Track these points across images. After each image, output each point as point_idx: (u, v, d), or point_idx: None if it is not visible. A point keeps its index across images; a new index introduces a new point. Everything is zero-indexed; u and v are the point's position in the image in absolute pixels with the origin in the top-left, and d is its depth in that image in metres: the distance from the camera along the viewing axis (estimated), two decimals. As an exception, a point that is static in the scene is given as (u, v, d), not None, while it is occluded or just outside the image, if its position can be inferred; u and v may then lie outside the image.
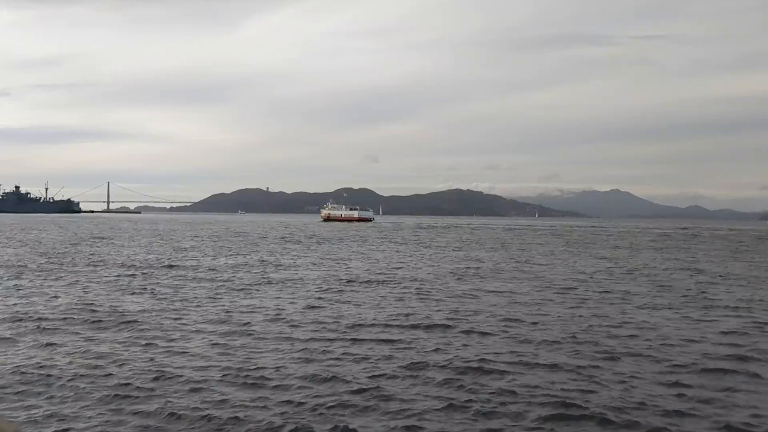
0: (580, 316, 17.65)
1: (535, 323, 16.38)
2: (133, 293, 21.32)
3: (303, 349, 13.09)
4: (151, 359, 12.21)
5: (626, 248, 56.31)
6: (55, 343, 13.42)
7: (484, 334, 14.96)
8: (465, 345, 13.76)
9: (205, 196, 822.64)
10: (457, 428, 8.83)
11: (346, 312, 17.94)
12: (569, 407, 9.58)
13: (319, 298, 20.60)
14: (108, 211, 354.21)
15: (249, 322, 16.13)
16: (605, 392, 10.41)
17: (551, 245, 60.15)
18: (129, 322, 15.97)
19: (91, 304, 18.79)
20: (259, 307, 18.60)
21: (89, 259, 35.68)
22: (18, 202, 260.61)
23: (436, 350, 13.19)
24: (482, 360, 12.34)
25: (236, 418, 9.06)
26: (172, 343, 13.59)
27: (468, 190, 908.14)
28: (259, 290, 22.72)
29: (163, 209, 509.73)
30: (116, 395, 10.02)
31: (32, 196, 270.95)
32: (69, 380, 10.73)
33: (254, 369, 11.50)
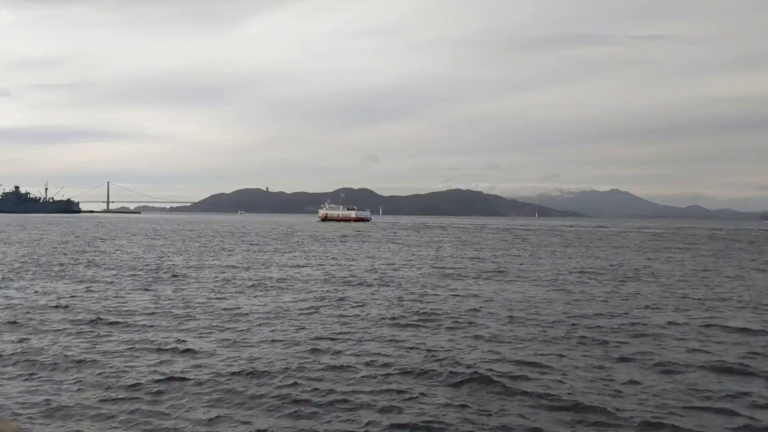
0: (583, 315, 17.65)
1: (536, 322, 16.38)
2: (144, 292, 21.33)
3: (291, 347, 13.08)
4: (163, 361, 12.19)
5: (631, 248, 56.35)
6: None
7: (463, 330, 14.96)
8: (467, 346, 13.75)
9: (205, 196, 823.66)
10: (469, 428, 8.82)
11: (336, 312, 17.95)
12: (582, 409, 9.56)
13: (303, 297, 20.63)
14: (107, 211, 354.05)
15: (244, 321, 16.13)
16: (618, 392, 10.41)
17: (551, 245, 60.17)
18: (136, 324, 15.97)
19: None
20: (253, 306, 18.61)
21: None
22: (18, 202, 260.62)
23: (445, 350, 13.18)
24: (489, 361, 12.33)
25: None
26: (176, 344, 13.58)
27: (468, 190, 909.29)
28: (249, 291, 22.71)
29: (162, 209, 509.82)
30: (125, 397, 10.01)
31: (32, 196, 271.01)
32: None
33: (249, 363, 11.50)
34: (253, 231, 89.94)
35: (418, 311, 18.03)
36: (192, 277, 26.78)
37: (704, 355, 12.90)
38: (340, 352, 12.93)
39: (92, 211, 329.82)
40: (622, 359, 12.57)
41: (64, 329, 14.90)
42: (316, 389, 10.35)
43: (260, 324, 15.93)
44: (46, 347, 13.04)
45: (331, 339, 14.17)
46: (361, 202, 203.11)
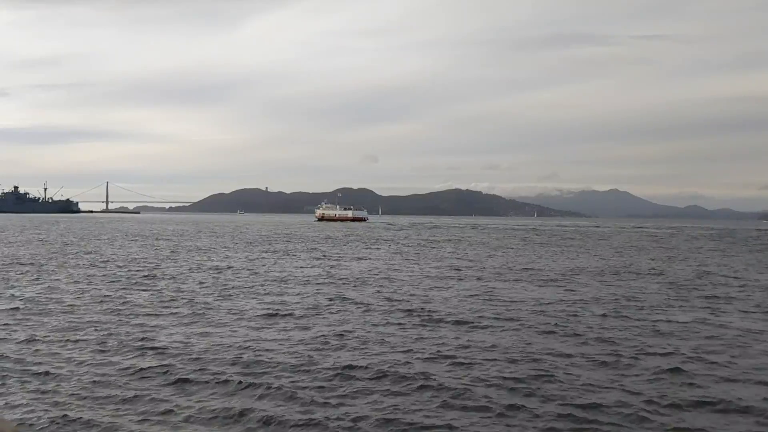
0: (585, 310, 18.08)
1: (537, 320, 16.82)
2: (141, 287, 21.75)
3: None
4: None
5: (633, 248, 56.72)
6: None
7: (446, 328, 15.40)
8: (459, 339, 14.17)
9: (204, 196, 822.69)
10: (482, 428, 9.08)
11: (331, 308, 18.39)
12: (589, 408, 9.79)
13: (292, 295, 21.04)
14: (107, 211, 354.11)
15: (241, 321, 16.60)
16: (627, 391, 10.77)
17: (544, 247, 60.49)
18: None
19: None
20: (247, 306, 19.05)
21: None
22: (17, 202, 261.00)
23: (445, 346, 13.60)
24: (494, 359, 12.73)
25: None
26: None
27: (467, 189, 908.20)
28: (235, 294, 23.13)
29: (162, 209, 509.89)
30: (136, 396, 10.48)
31: (31, 196, 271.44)
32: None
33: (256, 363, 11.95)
34: (250, 231, 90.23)
35: (398, 308, 18.47)
36: (175, 279, 27.21)
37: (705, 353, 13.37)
38: (338, 352, 13.36)
39: (91, 211, 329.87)
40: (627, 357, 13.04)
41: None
42: (321, 387, 10.71)
43: (240, 324, 16.39)
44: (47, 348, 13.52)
45: (326, 341, 14.56)
46: (360, 202, 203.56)
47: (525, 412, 9.60)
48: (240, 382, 10.90)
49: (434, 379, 11.17)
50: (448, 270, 32.34)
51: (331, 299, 20.98)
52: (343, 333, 15.25)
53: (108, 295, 21.29)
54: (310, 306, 19.50)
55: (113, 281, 25.49)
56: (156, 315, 17.67)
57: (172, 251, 44.83)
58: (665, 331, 15.94)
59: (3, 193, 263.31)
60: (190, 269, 31.14)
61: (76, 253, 41.65)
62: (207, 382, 11.00)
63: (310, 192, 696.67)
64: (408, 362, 12.46)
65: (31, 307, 18.68)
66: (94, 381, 11.04)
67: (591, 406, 9.87)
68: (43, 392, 10.43)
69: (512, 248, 54.74)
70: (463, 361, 12.58)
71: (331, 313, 18.33)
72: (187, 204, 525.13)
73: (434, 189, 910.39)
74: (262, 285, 24.90)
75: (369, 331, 15.53)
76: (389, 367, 11.98)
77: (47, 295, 21.06)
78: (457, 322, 16.79)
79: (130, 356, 12.81)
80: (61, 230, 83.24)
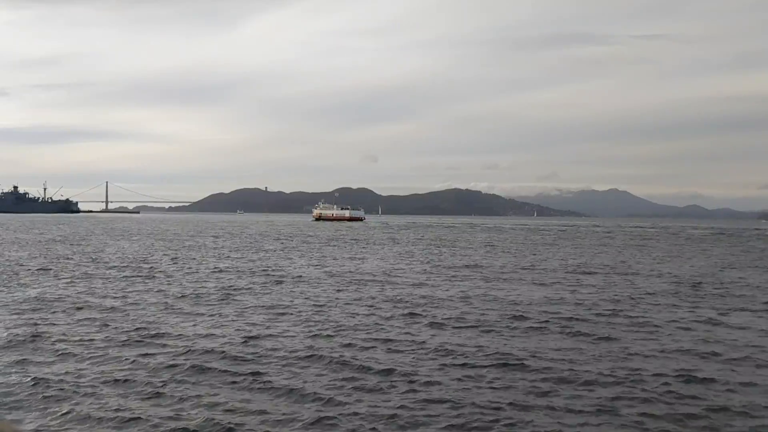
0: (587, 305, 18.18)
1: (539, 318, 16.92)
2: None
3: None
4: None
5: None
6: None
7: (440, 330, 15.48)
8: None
9: (204, 196, 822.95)
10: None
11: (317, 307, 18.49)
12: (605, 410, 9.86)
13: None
14: (106, 211, 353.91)
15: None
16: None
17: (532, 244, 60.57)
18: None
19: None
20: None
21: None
22: (16, 202, 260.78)
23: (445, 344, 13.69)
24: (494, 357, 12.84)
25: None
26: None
27: (467, 189, 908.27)
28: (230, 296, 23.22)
29: (161, 209, 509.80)
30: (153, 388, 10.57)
31: (31, 196, 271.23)
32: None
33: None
34: (249, 230, 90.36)
35: (395, 306, 18.60)
36: (171, 278, 27.30)
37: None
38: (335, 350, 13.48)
39: (91, 211, 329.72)
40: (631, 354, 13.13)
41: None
42: (324, 385, 10.81)
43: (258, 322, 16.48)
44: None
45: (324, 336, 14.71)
46: (360, 202, 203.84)
47: (534, 412, 9.62)
48: (246, 379, 11.02)
49: (439, 379, 11.26)
50: (438, 268, 32.44)
51: (329, 298, 21.11)
52: (344, 331, 15.39)
53: (111, 293, 21.42)
54: (309, 304, 19.64)
55: (115, 280, 25.60)
56: (156, 315, 17.81)
57: (171, 251, 44.90)
58: (670, 331, 16.04)
59: (2, 193, 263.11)
60: (189, 269, 31.24)
61: (78, 252, 41.71)
62: (211, 381, 11.10)
63: (310, 192, 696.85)
64: (412, 361, 12.56)
65: (37, 305, 18.79)
66: (99, 378, 11.14)
67: (603, 406, 9.86)
68: (46, 390, 10.51)
69: (500, 246, 54.79)
70: (466, 360, 12.69)
71: (331, 312, 18.45)
72: (187, 204, 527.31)
73: (434, 189, 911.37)
74: (256, 284, 25.01)
75: (368, 331, 15.66)
76: (394, 365, 12.10)
77: (52, 292, 21.16)
78: (459, 322, 16.94)
79: (134, 353, 12.90)
80: (62, 230, 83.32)
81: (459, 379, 11.17)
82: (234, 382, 10.92)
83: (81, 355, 12.66)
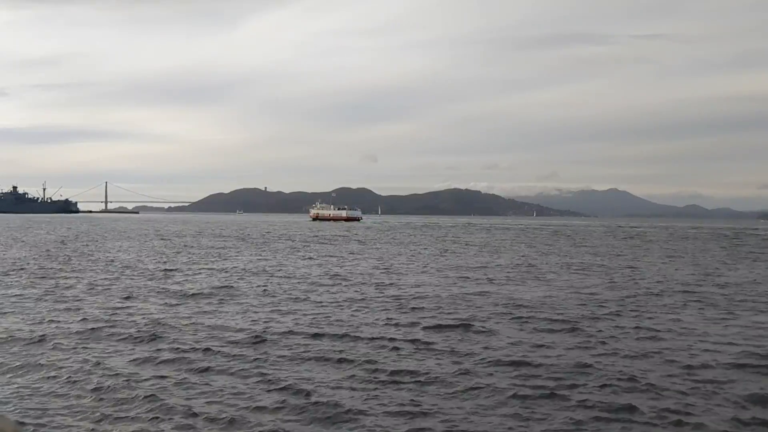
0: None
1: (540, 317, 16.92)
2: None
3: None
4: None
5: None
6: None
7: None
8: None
9: (204, 196, 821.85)
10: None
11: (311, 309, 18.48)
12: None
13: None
14: (106, 211, 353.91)
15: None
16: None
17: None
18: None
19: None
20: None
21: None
22: (16, 202, 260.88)
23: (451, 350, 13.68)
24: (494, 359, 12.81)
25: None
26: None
27: (466, 189, 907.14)
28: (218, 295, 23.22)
29: (161, 209, 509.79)
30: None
31: (30, 196, 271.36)
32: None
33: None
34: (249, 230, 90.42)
35: (392, 305, 18.59)
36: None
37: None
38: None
39: (90, 211, 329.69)
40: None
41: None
42: (337, 386, 10.81)
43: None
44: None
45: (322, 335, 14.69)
46: (360, 202, 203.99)
47: (542, 412, 9.60)
48: (251, 379, 11.06)
49: (444, 377, 11.27)
50: (438, 268, 32.46)
51: (329, 298, 21.14)
52: (348, 330, 15.41)
53: (112, 294, 21.42)
54: (309, 304, 19.69)
55: (115, 280, 25.61)
56: (157, 315, 17.84)
57: (171, 251, 44.92)
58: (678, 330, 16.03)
59: (2, 193, 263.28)
60: (189, 269, 31.25)
61: (79, 252, 41.72)
62: (215, 380, 11.12)
63: (310, 192, 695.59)
64: (417, 360, 12.59)
65: (37, 304, 18.81)
66: (101, 376, 11.12)
67: (611, 405, 9.83)
68: (49, 388, 10.53)
69: (497, 245, 54.84)
70: (470, 358, 12.71)
71: (332, 311, 18.49)
72: (187, 204, 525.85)
73: (433, 188, 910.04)
74: (256, 284, 25.01)
75: (372, 330, 15.70)
76: (399, 364, 12.16)
77: (61, 292, 21.17)
78: (462, 321, 16.95)
79: (135, 352, 12.94)
80: (61, 230, 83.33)
81: (464, 378, 11.17)
82: (239, 382, 10.92)
83: (83, 355, 12.66)
